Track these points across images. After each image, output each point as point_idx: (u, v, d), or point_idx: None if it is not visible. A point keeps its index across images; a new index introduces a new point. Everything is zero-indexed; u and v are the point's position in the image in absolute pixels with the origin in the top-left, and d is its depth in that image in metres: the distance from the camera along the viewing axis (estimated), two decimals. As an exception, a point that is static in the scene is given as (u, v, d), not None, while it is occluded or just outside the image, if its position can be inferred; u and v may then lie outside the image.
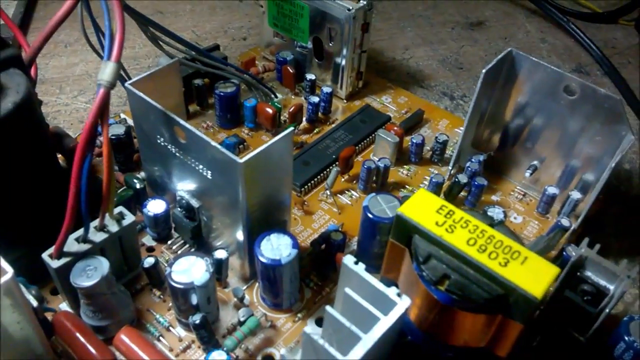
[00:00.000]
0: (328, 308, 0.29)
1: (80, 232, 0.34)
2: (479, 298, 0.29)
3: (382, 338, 0.28)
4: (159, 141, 0.37)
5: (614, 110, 0.40)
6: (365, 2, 0.50)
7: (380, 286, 0.30)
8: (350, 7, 0.49)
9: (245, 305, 0.38)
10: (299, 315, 0.38)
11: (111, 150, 0.31)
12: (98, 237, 0.35)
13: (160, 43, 0.44)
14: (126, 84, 0.36)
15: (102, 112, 0.30)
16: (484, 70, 0.41)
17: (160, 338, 0.36)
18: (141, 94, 0.35)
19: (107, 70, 0.30)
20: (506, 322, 0.30)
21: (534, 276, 0.28)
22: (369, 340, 0.27)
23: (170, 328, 0.36)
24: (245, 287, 0.39)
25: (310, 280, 0.40)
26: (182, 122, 0.34)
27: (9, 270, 0.27)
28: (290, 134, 0.34)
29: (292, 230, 0.43)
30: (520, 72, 0.43)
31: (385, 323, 0.28)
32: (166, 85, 0.39)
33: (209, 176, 0.35)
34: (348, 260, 0.31)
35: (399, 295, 0.29)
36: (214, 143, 0.32)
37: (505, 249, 0.30)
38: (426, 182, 0.47)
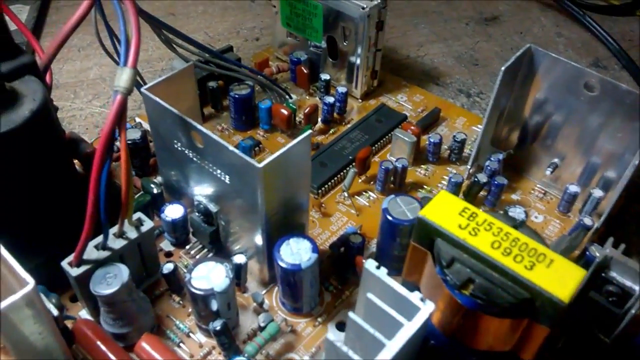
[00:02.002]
0: (351, 314, 0.29)
1: (99, 239, 0.34)
2: (505, 302, 0.28)
3: (407, 344, 0.28)
4: (175, 146, 0.37)
5: (634, 106, 0.39)
6: (379, 0, 0.49)
7: (403, 291, 0.29)
8: (365, 6, 0.48)
9: (264, 310, 0.37)
10: (319, 319, 0.37)
11: (129, 157, 0.31)
12: (117, 243, 0.35)
13: (174, 46, 0.43)
14: (142, 89, 0.36)
15: (120, 119, 0.30)
16: (503, 68, 0.40)
17: (181, 344, 0.36)
18: (157, 99, 0.35)
19: (123, 77, 0.30)
20: (532, 325, 0.29)
21: (560, 279, 0.28)
22: (393, 346, 0.27)
23: (191, 334, 0.36)
24: (264, 292, 0.39)
25: (330, 284, 0.39)
26: (199, 126, 0.33)
27: (30, 282, 0.26)
28: (308, 137, 0.34)
29: (310, 233, 0.42)
30: (539, 69, 0.43)
31: (409, 329, 0.28)
32: (181, 89, 0.39)
33: (227, 181, 0.35)
34: (370, 264, 0.30)
35: (422, 300, 0.29)
36: (231, 148, 0.32)
37: (531, 252, 0.29)
38: (445, 182, 0.47)
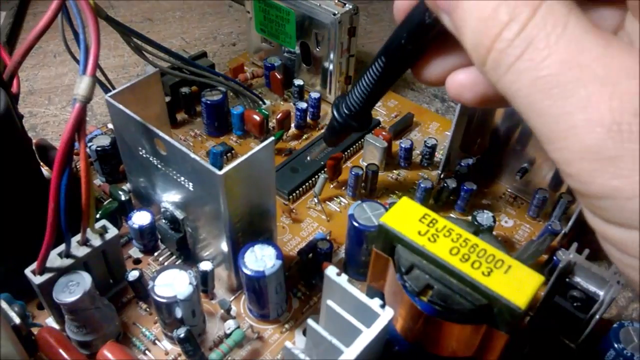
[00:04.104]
0: (309, 321, 0.29)
1: (63, 246, 0.34)
2: (463, 308, 0.28)
3: (365, 351, 0.28)
4: (140, 153, 0.37)
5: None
6: (351, 6, 0.49)
7: (363, 298, 0.29)
8: (336, 12, 0.48)
9: (232, 317, 0.37)
10: (287, 326, 0.37)
11: (89, 166, 0.31)
12: (81, 251, 0.34)
13: (145, 53, 0.43)
14: (106, 96, 0.36)
15: (79, 127, 0.30)
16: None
17: (147, 352, 0.36)
18: (120, 106, 0.35)
19: (82, 85, 0.30)
20: (492, 332, 0.29)
21: (517, 285, 0.28)
22: (350, 353, 0.27)
23: (157, 342, 0.36)
24: (232, 298, 0.39)
25: (298, 290, 0.39)
26: (161, 134, 0.33)
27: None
28: (271, 143, 0.34)
29: (280, 239, 0.42)
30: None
31: (367, 335, 0.28)
32: (148, 95, 0.39)
33: (190, 188, 0.35)
34: (330, 271, 0.30)
35: (382, 306, 0.29)
36: (193, 155, 0.32)
37: (489, 258, 0.29)
38: (415, 187, 0.47)
